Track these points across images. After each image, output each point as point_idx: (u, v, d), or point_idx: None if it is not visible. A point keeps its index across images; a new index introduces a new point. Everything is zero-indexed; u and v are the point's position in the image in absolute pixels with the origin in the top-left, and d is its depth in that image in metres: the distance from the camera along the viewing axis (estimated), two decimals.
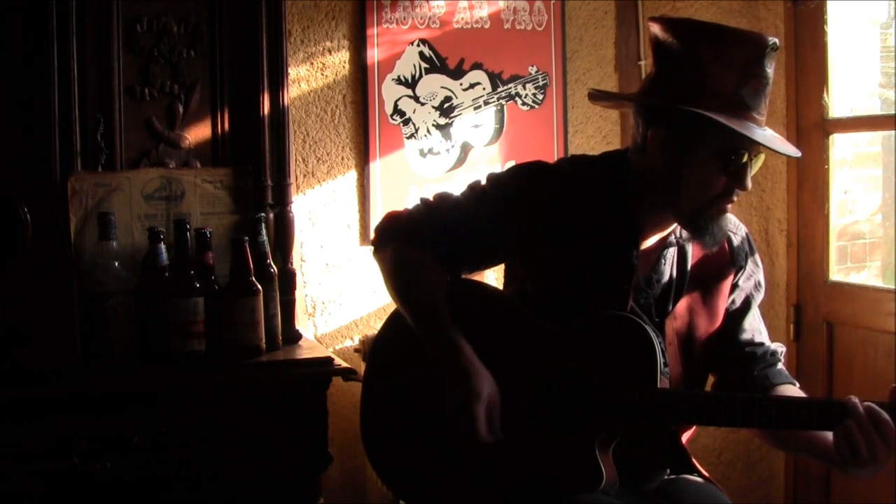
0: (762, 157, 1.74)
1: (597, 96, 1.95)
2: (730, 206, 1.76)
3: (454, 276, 1.88)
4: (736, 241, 1.90)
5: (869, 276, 3.39)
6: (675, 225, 1.83)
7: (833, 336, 3.05)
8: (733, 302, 1.90)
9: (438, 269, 1.84)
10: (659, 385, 1.70)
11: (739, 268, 1.90)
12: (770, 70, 1.72)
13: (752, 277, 1.92)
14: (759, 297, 1.93)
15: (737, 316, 1.90)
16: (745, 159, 1.70)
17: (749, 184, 1.73)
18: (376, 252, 1.93)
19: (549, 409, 1.72)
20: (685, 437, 1.92)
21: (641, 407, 1.68)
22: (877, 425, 1.58)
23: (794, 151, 1.79)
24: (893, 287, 2.95)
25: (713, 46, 1.69)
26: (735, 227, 1.92)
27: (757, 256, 1.94)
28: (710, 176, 1.71)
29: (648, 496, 1.82)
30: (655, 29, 1.76)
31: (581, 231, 1.80)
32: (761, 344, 1.90)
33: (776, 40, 1.72)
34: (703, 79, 1.69)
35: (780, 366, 1.90)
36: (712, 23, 1.78)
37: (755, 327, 1.92)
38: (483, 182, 1.88)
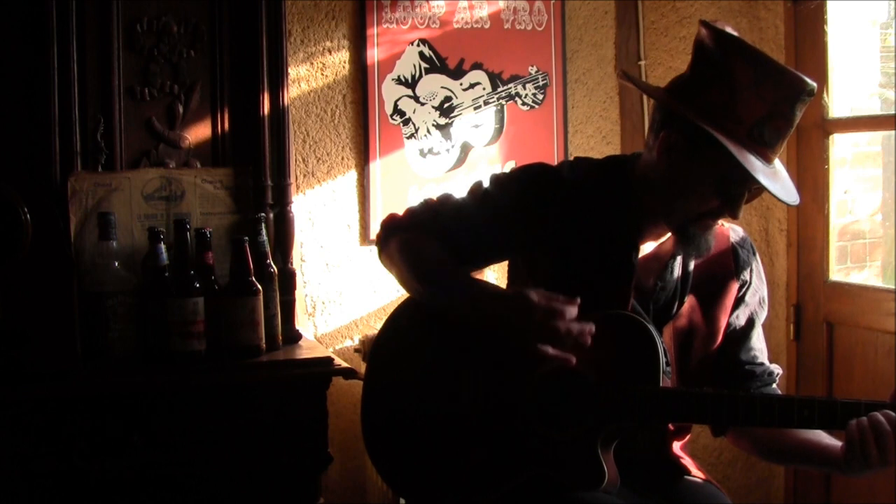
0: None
1: (627, 80, 1.92)
2: (715, 224, 1.76)
3: None
4: (740, 250, 1.90)
5: (869, 275, 3.39)
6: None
7: (833, 336, 3.05)
8: (737, 317, 1.89)
9: (446, 250, 1.82)
10: (661, 385, 1.69)
11: (744, 281, 1.89)
12: (799, 114, 1.68)
13: (758, 293, 1.91)
14: (762, 316, 1.93)
15: (740, 334, 1.90)
16: (742, 191, 1.69)
17: (740, 215, 1.72)
18: (381, 250, 1.92)
19: (551, 407, 1.72)
20: (680, 444, 1.92)
21: (643, 406, 1.68)
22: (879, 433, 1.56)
23: (793, 199, 1.72)
24: (893, 287, 2.95)
25: (753, 72, 1.64)
26: (738, 234, 1.92)
27: (761, 268, 1.93)
28: (705, 195, 1.71)
29: (648, 496, 1.82)
30: (703, 33, 1.72)
31: (582, 233, 1.80)
32: (761, 364, 1.91)
33: (815, 85, 1.66)
34: (733, 101, 1.65)
35: (775, 386, 1.91)
36: (760, 51, 1.70)
37: (758, 347, 1.92)
38: (486, 183, 1.89)
